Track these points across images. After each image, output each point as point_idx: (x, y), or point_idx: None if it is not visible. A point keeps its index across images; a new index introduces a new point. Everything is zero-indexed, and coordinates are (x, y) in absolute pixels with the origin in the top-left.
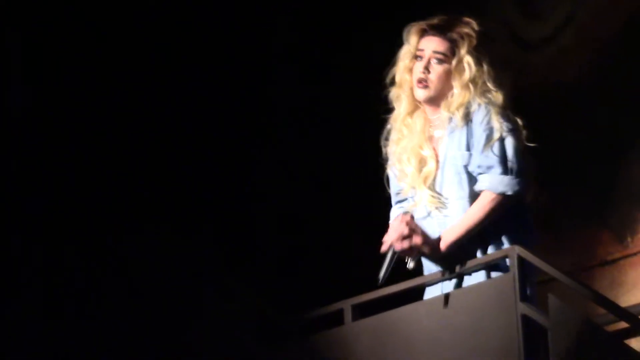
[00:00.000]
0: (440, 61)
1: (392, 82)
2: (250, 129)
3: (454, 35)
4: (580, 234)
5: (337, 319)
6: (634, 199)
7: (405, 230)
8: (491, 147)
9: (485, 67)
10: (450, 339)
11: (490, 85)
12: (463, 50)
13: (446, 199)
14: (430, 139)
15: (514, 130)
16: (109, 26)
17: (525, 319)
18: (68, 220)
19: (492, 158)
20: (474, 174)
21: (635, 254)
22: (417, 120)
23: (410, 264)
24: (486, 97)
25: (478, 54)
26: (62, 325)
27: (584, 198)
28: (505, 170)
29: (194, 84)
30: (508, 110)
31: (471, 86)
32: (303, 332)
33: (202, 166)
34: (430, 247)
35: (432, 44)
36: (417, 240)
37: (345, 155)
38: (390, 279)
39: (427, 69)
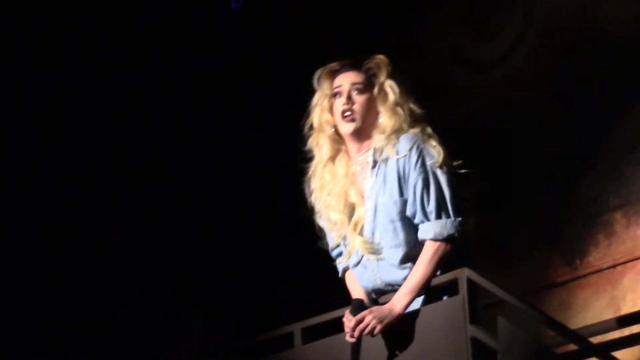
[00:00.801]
0: (360, 91)
1: (310, 129)
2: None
3: (369, 65)
4: (529, 256)
5: (287, 342)
6: (583, 222)
7: (356, 328)
8: (427, 191)
9: (406, 91)
10: None
11: (416, 109)
12: (382, 77)
13: (379, 244)
14: (355, 182)
15: (445, 165)
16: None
17: (475, 342)
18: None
19: (431, 203)
20: (413, 221)
21: (584, 276)
22: (340, 164)
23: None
24: (416, 127)
25: (399, 81)
26: None
27: (533, 220)
28: (446, 213)
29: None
30: (436, 140)
31: (399, 110)
32: (253, 355)
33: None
34: (388, 319)
35: (349, 78)
36: (374, 327)
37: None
38: (340, 301)
39: (349, 99)
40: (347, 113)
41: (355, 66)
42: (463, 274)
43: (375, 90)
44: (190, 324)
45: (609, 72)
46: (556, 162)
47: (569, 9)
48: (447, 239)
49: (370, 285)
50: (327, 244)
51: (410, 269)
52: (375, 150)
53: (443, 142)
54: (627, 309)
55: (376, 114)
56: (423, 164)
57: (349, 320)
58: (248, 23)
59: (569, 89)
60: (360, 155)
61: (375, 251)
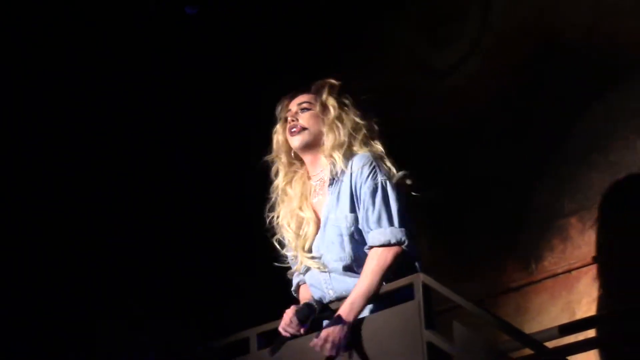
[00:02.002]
0: (305, 109)
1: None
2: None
3: (317, 86)
4: (486, 261)
5: (242, 347)
6: (539, 227)
7: (292, 327)
8: (373, 202)
9: (352, 108)
10: None
11: (360, 122)
12: (325, 95)
13: (325, 258)
14: (312, 199)
15: (395, 184)
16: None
17: (431, 346)
18: None
19: (375, 213)
20: (364, 233)
21: (539, 281)
22: (296, 185)
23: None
24: (367, 146)
25: (342, 98)
26: None
27: (490, 225)
28: (389, 222)
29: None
30: (388, 160)
31: (339, 124)
32: None
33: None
34: (344, 334)
35: (297, 100)
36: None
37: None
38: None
39: (295, 116)
40: (293, 129)
41: (305, 90)
42: (419, 279)
43: (318, 106)
44: (145, 332)
45: (564, 77)
46: (512, 167)
47: (524, 14)
48: (386, 245)
49: (326, 297)
50: (284, 261)
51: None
52: (329, 169)
53: (397, 155)
54: (582, 313)
55: (322, 131)
56: (374, 178)
57: (290, 320)
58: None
59: (524, 95)
60: (317, 173)
61: (322, 266)
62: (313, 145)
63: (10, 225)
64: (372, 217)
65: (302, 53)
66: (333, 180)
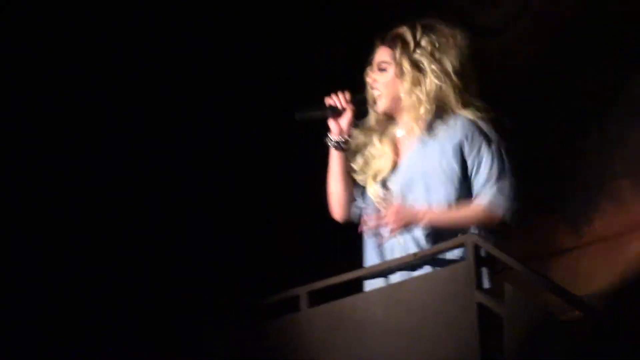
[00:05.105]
0: (382, 70)
1: None
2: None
3: (391, 40)
4: (536, 224)
5: (292, 305)
6: (589, 189)
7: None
8: (490, 168)
9: (435, 62)
10: (405, 327)
11: (443, 81)
12: (398, 54)
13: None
14: (394, 138)
15: (503, 144)
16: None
17: (481, 308)
18: None
19: (493, 179)
20: (473, 189)
21: (590, 244)
22: (385, 122)
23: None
24: (463, 104)
25: (419, 53)
26: None
27: (540, 188)
28: (509, 193)
29: None
30: (492, 116)
31: (416, 91)
32: (259, 318)
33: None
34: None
35: (377, 56)
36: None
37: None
38: (347, 266)
39: (375, 79)
40: (376, 93)
41: (384, 40)
42: (470, 240)
43: (395, 68)
44: (194, 287)
45: (613, 37)
46: (563, 128)
47: None
48: (494, 211)
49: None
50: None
51: None
52: (423, 126)
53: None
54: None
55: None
56: (488, 144)
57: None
58: None
59: (574, 55)
60: (404, 122)
61: (385, 204)
62: (395, 107)
63: None
64: (492, 180)
65: (348, 11)
66: (426, 133)
